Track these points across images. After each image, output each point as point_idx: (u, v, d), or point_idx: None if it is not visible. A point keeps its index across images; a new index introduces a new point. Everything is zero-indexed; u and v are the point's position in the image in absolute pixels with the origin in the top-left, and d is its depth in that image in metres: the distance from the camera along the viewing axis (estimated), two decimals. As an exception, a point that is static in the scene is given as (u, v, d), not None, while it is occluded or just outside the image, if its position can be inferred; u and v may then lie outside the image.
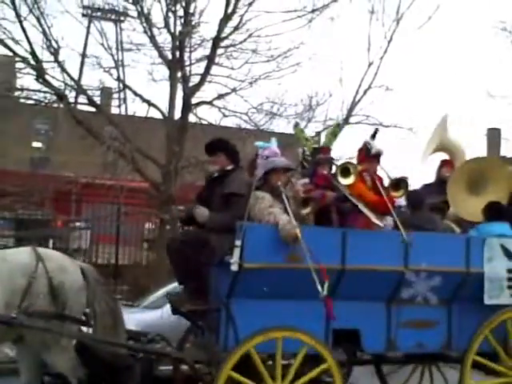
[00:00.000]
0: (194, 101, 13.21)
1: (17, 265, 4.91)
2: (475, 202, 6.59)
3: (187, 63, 13.17)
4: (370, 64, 13.98)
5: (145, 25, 12.99)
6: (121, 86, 15.44)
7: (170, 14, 12.90)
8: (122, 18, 18.49)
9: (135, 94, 13.51)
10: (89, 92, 13.86)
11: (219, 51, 13.17)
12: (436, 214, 6.68)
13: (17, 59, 12.92)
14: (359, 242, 5.36)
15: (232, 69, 13.38)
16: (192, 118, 13.42)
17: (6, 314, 4.75)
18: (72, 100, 13.68)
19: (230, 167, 5.72)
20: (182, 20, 12.92)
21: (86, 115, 13.63)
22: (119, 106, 20.80)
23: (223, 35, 13.05)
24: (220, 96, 13.43)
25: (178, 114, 13.28)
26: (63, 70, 12.88)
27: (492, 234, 6.03)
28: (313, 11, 13.41)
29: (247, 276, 5.04)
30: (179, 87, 13.23)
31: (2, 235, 15.48)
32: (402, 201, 6.56)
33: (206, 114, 13.92)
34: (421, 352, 5.84)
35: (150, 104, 13.46)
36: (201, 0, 12.91)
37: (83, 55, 16.99)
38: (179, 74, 13.09)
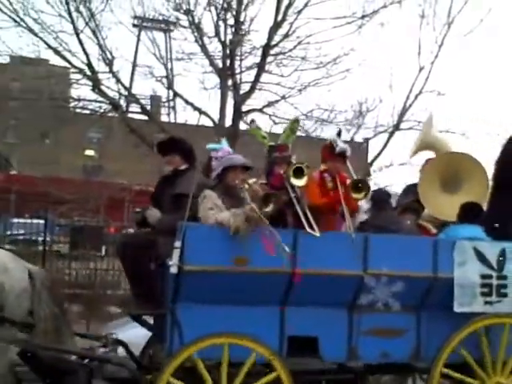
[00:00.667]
0: (244, 108, 13.37)
1: None
2: (448, 200, 6.12)
3: (238, 71, 13.35)
4: (421, 69, 13.86)
5: (196, 34, 13.21)
6: (171, 94, 15.72)
7: (221, 23, 13.10)
8: (172, 28, 18.85)
9: (186, 102, 13.75)
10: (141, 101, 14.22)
11: (269, 59, 13.29)
12: (410, 214, 6.30)
13: (73, 70, 13.32)
14: (312, 245, 5.01)
15: (282, 76, 13.49)
16: (242, 126, 13.58)
17: None
18: (125, 109, 14.01)
19: (183, 167, 5.56)
20: (233, 29, 13.10)
21: (139, 123, 13.93)
22: (168, 115, 21.15)
23: (273, 43, 13.17)
24: (270, 103, 13.53)
25: (228, 122, 13.46)
26: (118, 80, 13.23)
27: (462, 237, 5.58)
28: (362, 17, 13.40)
29: (189, 279, 4.74)
30: (230, 95, 13.40)
31: (58, 241, 15.95)
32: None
33: (257, 121, 13.97)
34: (386, 362, 5.36)
35: (201, 112, 13.68)
36: (251, 8, 13.00)
37: (134, 65, 17.39)
38: (230, 82, 13.27)
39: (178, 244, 4.70)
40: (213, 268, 4.79)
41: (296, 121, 5.97)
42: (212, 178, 5.33)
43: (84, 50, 12.71)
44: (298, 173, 5.15)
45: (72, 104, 13.90)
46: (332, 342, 5.14)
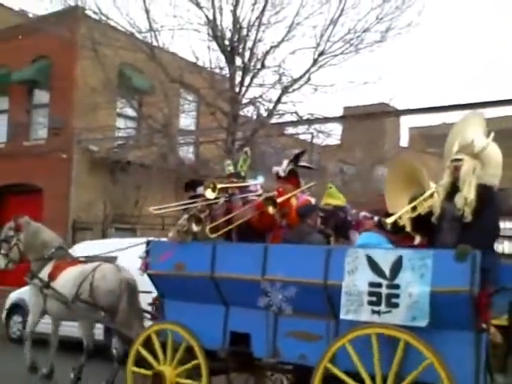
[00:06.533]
0: None
1: (82, 271, 8.26)
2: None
3: None
4: None
5: None
6: None
7: None
8: None
9: None
10: None
11: None
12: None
13: None
14: (226, 253, 6.11)
15: None
16: None
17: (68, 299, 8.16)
18: None
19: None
20: None
21: None
22: None
23: None
24: None
25: None
26: None
27: (359, 244, 5.91)
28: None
29: (154, 281, 6.66)
30: None
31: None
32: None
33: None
34: (304, 364, 5.68)
35: None
36: None
37: None
38: None
39: (142, 254, 6.70)
40: (161, 272, 6.53)
41: (245, 153, 7.10)
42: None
43: None
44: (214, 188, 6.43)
45: None
46: (259, 340, 5.95)
